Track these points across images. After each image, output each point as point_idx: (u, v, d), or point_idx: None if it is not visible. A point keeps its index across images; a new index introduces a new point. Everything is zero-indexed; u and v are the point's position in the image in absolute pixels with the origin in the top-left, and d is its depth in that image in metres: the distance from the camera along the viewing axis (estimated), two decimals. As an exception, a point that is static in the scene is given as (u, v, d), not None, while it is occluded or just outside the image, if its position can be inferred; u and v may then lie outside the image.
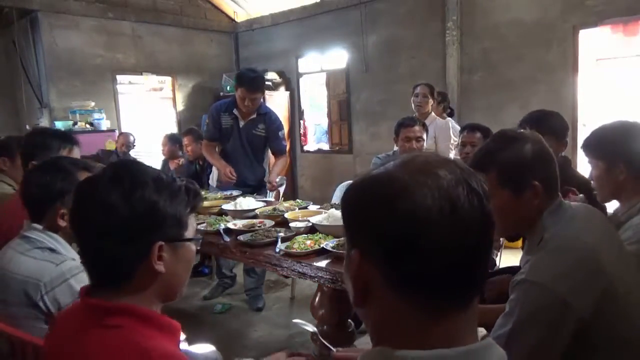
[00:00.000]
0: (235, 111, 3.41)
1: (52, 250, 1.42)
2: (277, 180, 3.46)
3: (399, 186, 0.57)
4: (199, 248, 1.03)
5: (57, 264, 1.36)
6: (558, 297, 1.04)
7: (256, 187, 3.49)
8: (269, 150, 3.62)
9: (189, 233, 0.96)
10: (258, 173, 3.57)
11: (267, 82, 6.92)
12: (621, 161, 1.55)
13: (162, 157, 5.17)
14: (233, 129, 3.43)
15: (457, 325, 0.59)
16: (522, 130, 1.32)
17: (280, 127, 3.55)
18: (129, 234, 0.86)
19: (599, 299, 1.06)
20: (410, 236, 0.55)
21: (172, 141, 4.92)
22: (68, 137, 2.08)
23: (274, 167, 3.50)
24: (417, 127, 2.96)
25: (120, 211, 0.85)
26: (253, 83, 3.26)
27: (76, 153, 2.04)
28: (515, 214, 1.23)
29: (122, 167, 0.92)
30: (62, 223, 1.45)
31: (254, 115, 3.42)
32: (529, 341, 1.05)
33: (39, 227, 1.45)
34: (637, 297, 1.13)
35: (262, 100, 3.46)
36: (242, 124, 3.42)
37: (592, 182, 1.71)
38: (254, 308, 3.56)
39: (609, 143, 1.59)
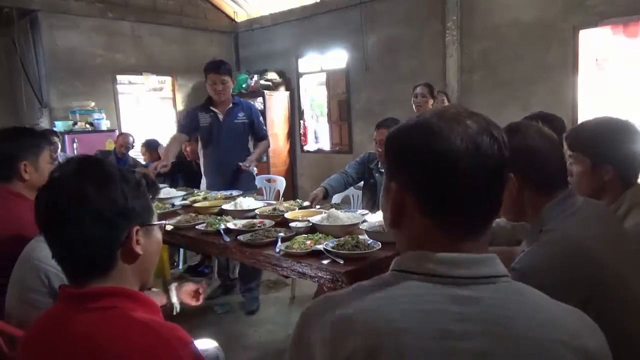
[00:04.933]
0: (212, 108, 3.48)
1: None
2: (250, 164, 3.51)
3: (435, 131, 0.69)
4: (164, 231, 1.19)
5: None
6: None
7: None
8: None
9: (155, 219, 1.07)
10: (244, 160, 3.57)
11: (267, 82, 6.95)
12: (610, 162, 1.45)
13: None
14: (213, 125, 3.48)
15: (469, 248, 0.71)
16: (524, 123, 1.31)
17: (258, 112, 3.74)
18: (109, 221, 0.93)
19: (587, 293, 1.05)
20: (442, 170, 0.69)
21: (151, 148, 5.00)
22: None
23: (257, 149, 3.62)
24: (382, 130, 2.93)
25: (96, 202, 0.91)
26: (219, 65, 3.41)
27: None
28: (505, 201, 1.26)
29: (91, 165, 0.99)
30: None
31: (230, 105, 3.49)
32: None
33: None
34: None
35: (232, 89, 3.58)
36: (222, 117, 3.48)
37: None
38: (247, 311, 3.48)
39: (600, 141, 1.47)
